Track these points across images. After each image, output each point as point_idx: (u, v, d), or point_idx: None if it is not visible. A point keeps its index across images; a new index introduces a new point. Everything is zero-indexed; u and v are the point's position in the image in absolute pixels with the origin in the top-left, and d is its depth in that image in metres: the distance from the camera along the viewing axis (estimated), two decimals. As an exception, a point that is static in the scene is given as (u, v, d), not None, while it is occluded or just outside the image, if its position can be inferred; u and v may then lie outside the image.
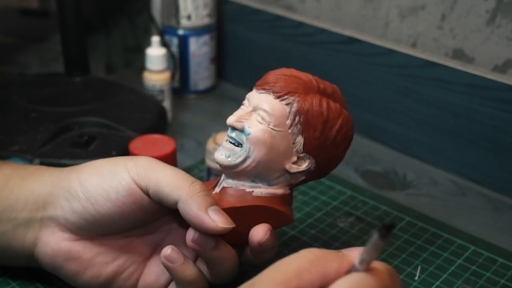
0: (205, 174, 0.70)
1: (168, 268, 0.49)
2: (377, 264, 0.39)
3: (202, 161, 0.73)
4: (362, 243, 0.62)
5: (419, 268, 0.59)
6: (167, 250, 0.49)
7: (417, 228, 0.65)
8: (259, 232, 0.49)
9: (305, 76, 0.50)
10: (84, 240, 0.50)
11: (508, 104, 0.69)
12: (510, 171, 0.71)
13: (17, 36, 1.03)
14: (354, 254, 0.39)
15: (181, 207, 0.47)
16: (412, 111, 0.77)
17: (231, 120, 0.49)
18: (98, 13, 0.97)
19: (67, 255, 0.50)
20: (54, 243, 0.50)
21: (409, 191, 0.73)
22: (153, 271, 0.52)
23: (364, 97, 0.81)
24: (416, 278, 0.58)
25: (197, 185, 0.48)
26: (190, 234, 0.48)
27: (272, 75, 0.50)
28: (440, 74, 0.73)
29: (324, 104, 0.49)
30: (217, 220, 0.47)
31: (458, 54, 0.75)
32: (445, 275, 0.58)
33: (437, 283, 0.57)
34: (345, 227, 0.64)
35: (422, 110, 0.76)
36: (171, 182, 0.48)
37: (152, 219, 0.52)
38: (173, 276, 0.50)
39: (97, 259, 0.51)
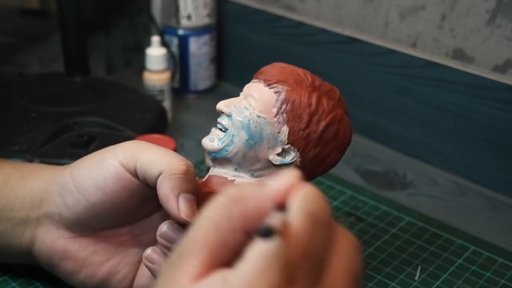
0: (205, 174, 0.70)
1: (149, 269, 0.49)
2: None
3: (202, 161, 0.73)
4: (362, 243, 0.62)
5: (419, 268, 0.59)
6: (147, 251, 0.48)
7: (417, 228, 0.65)
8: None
9: (301, 70, 0.50)
10: (80, 238, 0.50)
11: (508, 104, 0.69)
12: (510, 171, 0.71)
13: (17, 36, 1.03)
14: (274, 184, 0.33)
15: (158, 183, 0.46)
16: (412, 111, 0.77)
17: (220, 104, 0.49)
18: (98, 13, 0.97)
19: (62, 254, 0.50)
20: (49, 242, 0.50)
21: (409, 191, 0.73)
22: (146, 273, 0.52)
23: (364, 97, 0.81)
24: (416, 278, 0.58)
25: (184, 167, 0.47)
26: (159, 228, 0.47)
27: (270, 66, 0.50)
28: (440, 74, 0.73)
29: (314, 97, 0.48)
30: (182, 210, 0.45)
31: (458, 54, 0.75)
32: (445, 275, 0.58)
33: (437, 283, 0.57)
34: (345, 227, 0.64)
35: (422, 110, 0.76)
36: (158, 159, 0.47)
37: (145, 207, 0.51)
38: (154, 277, 0.49)
39: (92, 259, 0.51)
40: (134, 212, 0.51)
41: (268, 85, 0.48)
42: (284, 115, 0.48)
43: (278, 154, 0.49)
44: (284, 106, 0.48)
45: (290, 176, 0.33)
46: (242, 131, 0.48)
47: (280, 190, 0.33)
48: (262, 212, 0.32)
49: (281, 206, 0.32)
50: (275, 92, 0.48)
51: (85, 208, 0.49)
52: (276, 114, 0.48)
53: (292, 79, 0.49)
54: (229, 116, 0.49)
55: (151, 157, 0.47)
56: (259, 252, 0.30)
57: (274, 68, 0.49)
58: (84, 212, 0.49)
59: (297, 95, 0.48)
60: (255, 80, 0.50)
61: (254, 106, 0.48)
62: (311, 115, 0.48)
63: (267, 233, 0.30)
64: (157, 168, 0.46)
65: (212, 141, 0.49)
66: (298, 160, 0.49)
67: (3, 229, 0.51)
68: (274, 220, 0.31)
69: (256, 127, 0.48)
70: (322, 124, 0.49)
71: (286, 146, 0.48)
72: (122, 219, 0.51)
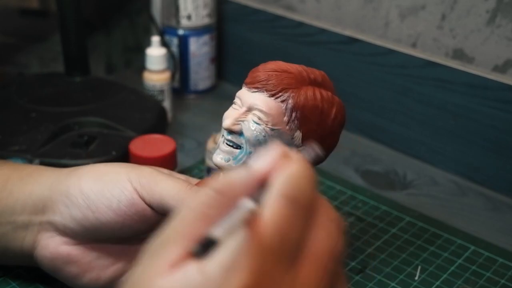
0: (205, 174, 0.70)
1: None
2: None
3: (202, 161, 0.73)
4: (362, 243, 0.62)
5: (419, 268, 0.59)
6: None
7: (417, 228, 0.65)
8: None
9: (294, 68, 0.49)
10: (83, 244, 0.50)
11: (508, 104, 0.69)
12: (510, 171, 0.71)
13: (17, 36, 1.03)
14: (258, 165, 0.33)
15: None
16: (412, 111, 0.77)
17: (227, 123, 0.48)
18: (98, 13, 0.97)
19: (66, 258, 0.50)
20: (52, 247, 0.50)
21: (409, 191, 0.73)
22: None
23: (364, 97, 0.81)
24: (416, 278, 0.58)
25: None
26: None
27: (263, 73, 0.49)
28: (440, 74, 0.73)
29: (318, 95, 0.49)
30: None
31: (458, 54, 0.75)
32: (445, 275, 0.58)
33: (437, 283, 0.57)
34: (345, 227, 0.64)
35: (422, 110, 0.76)
36: (175, 195, 0.47)
37: (152, 229, 0.51)
38: None
39: (96, 263, 0.50)
40: (141, 232, 0.50)
41: (273, 95, 0.48)
42: (296, 121, 0.48)
43: None
44: (294, 114, 0.48)
45: (273, 154, 0.33)
46: (259, 147, 0.48)
47: (264, 169, 0.33)
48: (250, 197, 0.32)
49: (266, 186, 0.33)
50: (282, 102, 0.48)
51: (92, 224, 0.48)
52: (288, 123, 0.48)
53: (293, 83, 0.49)
54: (240, 134, 0.48)
55: (169, 192, 0.47)
56: (234, 240, 0.30)
57: (271, 76, 0.48)
58: (90, 227, 0.49)
59: (303, 99, 0.48)
60: (255, 90, 0.48)
61: (266, 120, 0.48)
62: (320, 114, 0.49)
63: (202, 248, 0.30)
64: (179, 203, 0.46)
65: (228, 160, 0.49)
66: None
67: (4, 232, 0.51)
68: (243, 209, 0.31)
69: (271, 140, 0.48)
70: (330, 119, 0.50)
71: (300, 148, 0.49)
72: (129, 235, 0.51)
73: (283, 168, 0.32)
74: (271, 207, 0.31)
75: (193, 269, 0.31)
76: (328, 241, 0.33)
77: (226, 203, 0.32)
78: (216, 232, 0.30)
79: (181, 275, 0.31)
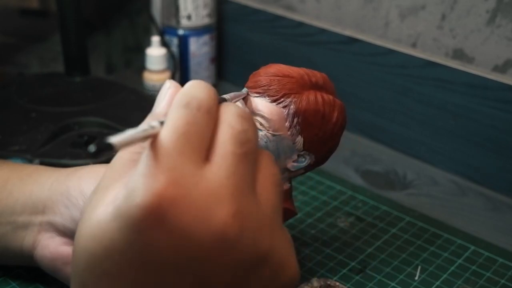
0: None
1: None
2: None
3: (202, 161, 0.73)
4: (362, 243, 0.62)
5: (419, 268, 0.59)
6: None
7: (417, 228, 0.65)
8: None
9: (296, 72, 0.49)
10: None
11: (508, 104, 0.69)
12: (510, 171, 0.71)
13: (17, 36, 1.03)
14: (159, 107, 0.38)
15: None
16: (412, 111, 0.77)
17: None
18: (98, 13, 0.97)
19: (66, 259, 0.50)
20: (52, 247, 0.50)
21: (409, 191, 0.73)
22: None
23: (364, 97, 0.81)
24: (416, 278, 0.58)
25: None
26: None
27: (264, 77, 0.49)
28: (440, 74, 0.73)
29: (320, 100, 0.49)
30: None
31: (458, 54, 0.75)
32: (445, 275, 0.58)
33: (437, 283, 0.57)
34: (345, 227, 0.64)
35: (422, 110, 0.76)
36: None
37: None
38: None
39: None
40: None
41: (275, 101, 0.48)
42: (297, 126, 0.48)
43: (294, 161, 0.50)
44: (296, 119, 0.48)
45: (165, 88, 0.38)
46: None
47: (165, 104, 0.37)
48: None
49: None
50: (284, 107, 0.48)
51: None
52: (290, 128, 0.48)
53: (294, 88, 0.48)
54: None
55: None
56: (147, 152, 0.33)
57: (273, 81, 0.48)
58: None
59: (305, 104, 0.48)
60: (256, 95, 0.48)
61: (267, 126, 0.48)
62: (321, 119, 0.49)
63: (97, 149, 0.32)
64: None
65: None
66: (312, 160, 0.51)
67: (3, 232, 0.51)
68: (145, 125, 0.34)
69: (273, 145, 0.48)
70: (331, 123, 0.50)
71: (302, 152, 0.50)
72: None
73: (179, 92, 0.36)
74: (168, 118, 0.34)
75: (119, 189, 0.33)
76: (229, 128, 0.35)
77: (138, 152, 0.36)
78: (114, 139, 0.32)
79: (110, 197, 0.34)
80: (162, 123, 0.34)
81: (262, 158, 0.36)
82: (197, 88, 0.36)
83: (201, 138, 0.34)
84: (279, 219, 0.36)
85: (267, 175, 0.36)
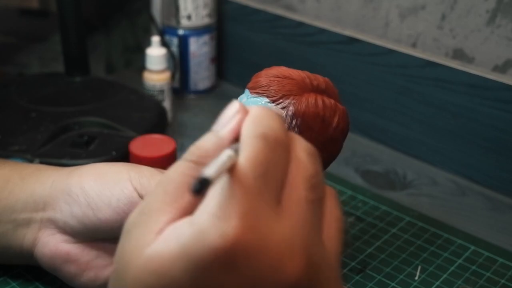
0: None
1: None
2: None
3: (202, 161, 0.73)
4: (362, 243, 0.62)
5: (419, 268, 0.59)
6: None
7: (417, 228, 0.65)
8: None
9: (297, 74, 0.49)
10: (83, 243, 0.50)
11: (508, 104, 0.69)
12: (510, 171, 0.71)
13: (17, 36, 1.03)
14: (223, 125, 0.35)
15: None
16: (412, 111, 0.77)
17: None
18: (98, 13, 0.97)
19: (65, 257, 0.50)
20: (52, 245, 0.50)
21: (409, 191, 0.73)
22: None
23: (364, 97, 0.81)
24: (416, 278, 0.58)
25: None
26: None
27: (264, 78, 0.48)
28: (440, 74, 0.73)
29: (320, 103, 0.48)
30: None
31: (458, 54, 0.75)
32: (445, 275, 0.58)
33: (437, 283, 0.57)
34: (345, 227, 0.64)
35: (422, 110, 0.76)
36: None
37: None
38: None
39: (95, 262, 0.50)
40: None
41: (273, 101, 0.48)
42: (296, 129, 0.48)
43: None
44: (294, 121, 0.47)
45: (233, 110, 0.35)
46: None
47: (232, 128, 0.34)
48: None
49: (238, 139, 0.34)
50: (282, 108, 0.47)
51: (92, 222, 0.49)
52: (288, 129, 0.48)
53: (294, 90, 0.48)
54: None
55: None
56: (219, 187, 0.31)
57: (273, 82, 0.48)
58: (90, 225, 0.49)
59: (304, 106, 0.47)
60: (255, 96, 0.48)
61: None
62: (321, 122, 0.48)
63: (199, 188, 0.30)
64: None
65: None
66: None
67: (4, 231, 0.51)
68: (216, 162, 0.31)
69: None
70: (332, 127, 0.49)
71: None
72: None
73: (248, 116, 0.34)
74: (245, 149, 0.32)
75: (183, 224, 0.31)
76: (302, 169, 0.33)
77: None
78: (207, 172, 0.30)
79: (171, 231, 0.31)
80: (236, 151, 0.32)
81: (328, 199, 0.35)
82: (270, 117, 0.34)
83: (278, 178, 0.32)
84: (339, 268, 0.35)
85: (333, 221, 0.35)
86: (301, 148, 0.34)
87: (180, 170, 0.34)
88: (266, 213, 0.31)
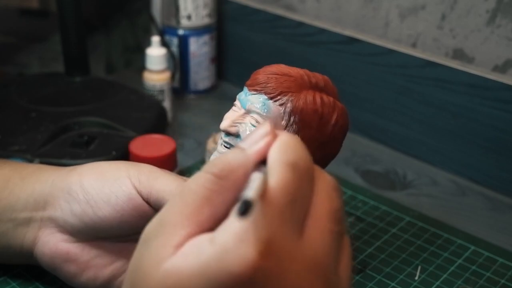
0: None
1: None
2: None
3: (202, 161, 0.73)
4: (362, 243, 0.62)
5: (419, 268, 0.59)
6: None
7: (417, 228, 0.65)
8: None
9: (295, 72, 0.49)
10: (83, 242, 0.50)
11: (508, 104, 0.69)
12: (510, 171, 0.71)
13: (17, 36, 1.03)
14: (251, 144, 0.34)
15: None
16: (412, 111, 0.77)
17: (224, 124, 0.48)
18: (98, 13, 0.97)
19: (65, 256, 0.50)
20: (52, 244, 0.50)
21: (409, 191, 0.73)
22: None
23: (364, 97, 0.81)
24: (416, 278, 0.58)
25: None
26: None
27: (263, 75, 0.48)
28: (440, 74, 0.73)
29: (318, 100, 0.48)
30: None
31: (458, 54, 0.75)
32: (445, 275, 0.58)
33: (437, 283, 0.57)
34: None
35: (422, 110, 0.76)
36: (173, 190, 0.47)
37: None
38: None
39: (95, 262, 0.51)
40: (140, 229, 0.51)
41: (271, 98, 0.47)
42: (294, 126, 0.47)
43: None
44: (292, 118, 0.47)
45: (263, 132, 0.34)
46: None
47: (260, 149, 0.34)
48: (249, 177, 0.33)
49: (264, 162, 0.34)
50: (280, 105, 0.47)
51: (91, 220, 0.49)
52: (286, 126, 0.47)
53: (292, 87, 0.48)
54: (237, 136, 0.48)
55: (167, 187, 0.47)
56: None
57: (271, 79, 0.48)
58: (90, 222, 0.49)
59: (302, 103, 0.47)
60: (254, 92, 0.48)
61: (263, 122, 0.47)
62: (319, 119, 0.48)
63: (245, 210, 0.30)
64: None
65: None
66: None
67: (4, 230, 0.51)
68: (254, 185, 0.31)
69: None
70: (330, 125, 0.48)
71: None
72: (126, 234, 0.51)
73: (276, 141, 0.34)
74: (276, 175, 0.32)
75: (204, 241, 0.31)
76: (328, 203, 0.34)
77: (228, 187, 0.33)
78: (249, 194, 0.30)
79: (191, 247, 0.31)
80: (265, 174, 0.32)
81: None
82: (300, 146, 0.34)
83: (304, 208, 0.33)
84: None
85: (347, 257, 0.35)
86: (326, 181, 0.35)
87: (201, 182, 0.33)
88: (289, 241, 0.31)
